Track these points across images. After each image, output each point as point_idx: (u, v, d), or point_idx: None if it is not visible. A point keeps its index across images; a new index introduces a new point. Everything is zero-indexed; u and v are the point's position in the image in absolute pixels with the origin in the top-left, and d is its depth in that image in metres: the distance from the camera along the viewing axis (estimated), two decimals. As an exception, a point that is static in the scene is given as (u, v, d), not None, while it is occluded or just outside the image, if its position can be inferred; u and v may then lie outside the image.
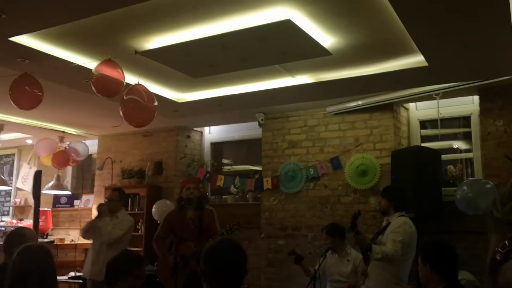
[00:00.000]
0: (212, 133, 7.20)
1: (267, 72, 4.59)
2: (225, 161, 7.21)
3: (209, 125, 7.10)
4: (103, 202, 5.05)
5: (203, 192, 6.62)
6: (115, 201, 4.98)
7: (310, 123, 5.86)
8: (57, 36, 3.76)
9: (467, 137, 5.45)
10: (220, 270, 1.81)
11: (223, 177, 6.41)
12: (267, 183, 5.97)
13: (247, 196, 6.39)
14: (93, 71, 3.85)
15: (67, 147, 7.01)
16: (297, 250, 4.81)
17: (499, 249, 3.38)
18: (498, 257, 3.44)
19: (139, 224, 6.69)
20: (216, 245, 1.88)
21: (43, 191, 7.20)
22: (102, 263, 4.77)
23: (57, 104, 5.60)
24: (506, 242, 3.28)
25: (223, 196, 6.58)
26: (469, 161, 5.40)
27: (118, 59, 3.91)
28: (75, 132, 7.19)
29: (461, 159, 5.44)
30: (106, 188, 6.89)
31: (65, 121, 6.69)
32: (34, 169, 7.43)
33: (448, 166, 5.20)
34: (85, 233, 4.95)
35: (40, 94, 4.19)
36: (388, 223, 3.95)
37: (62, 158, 6.75)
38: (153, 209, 6.30)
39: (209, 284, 1.81)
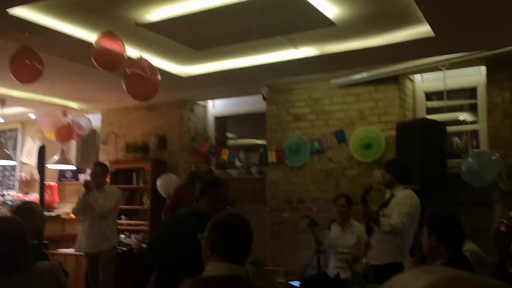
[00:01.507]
0: (216, 107, 7.15)
1: (270, 44, 4.52)
2: (229, 135, 7.19)
3: (213, 99, 7.05)
4: (88, 179, 5.12)
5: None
6: (100, 175, 5.03)
7: (315, 96, 5.80)
8: (57, 8, 3.70)
9: (472, 108, 5.38)
10: (230, 243, 1.86)
11: (227, 151, 6.40)
12: (272, 157, 5.96)
13: (252, 170, 6.39)
14: (93, 44, 3.80)
15: (70, 122, 7.00)
16: (302, 222, 4.83)
17: (505, 221, 3.39)
18: (503, 229, 3.46)
19: (144, 198, 6.74)
20: (227, 219, 1.94)
21: (47, 166, 7.24)
22: (95, 236, 4.94)
23: (59, 78, 5.56)
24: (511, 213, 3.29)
25: (228, 170, 6.59)
26: (474, 133, 5.35)
27: (119, 32, 3.84)
28: (78, 106, 7.17)
29: (466, 131, 5.39)
30: (111, 162, 6.91)
31: (68, 96, 6.67)
32: (38, 144, 7.44)
33: (454, 138, 5.16)
34: (78, 213, 5.05)
35: (40, 67, 4.15)
36: (392, 196, 3.96)
37: (65, 132, 6.75)
38: (157, 183, 6.33)
39: (217, 256, 1.85)
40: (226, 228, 1.89)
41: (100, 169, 5.10)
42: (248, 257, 1.94)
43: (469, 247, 3.72)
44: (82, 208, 4.92)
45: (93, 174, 5.10)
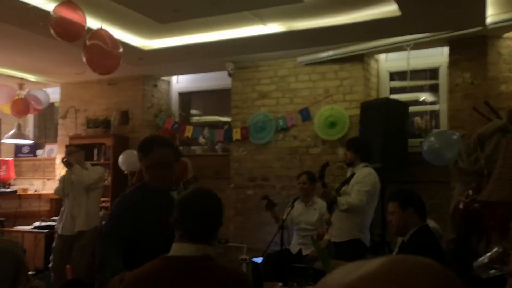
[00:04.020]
0: (180, 82, 7.02)
1: (237, 19, 4.43)
2: (193, 111, 7.09)
3: (177, 74, 6.91)
4: (64, 157, 4.99)
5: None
6: (76, 151, 4.91)
7: (281, 74, 5.77)
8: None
9: (433, 89, 5.50)
10: (189, 219, 1.79)
11: (191, 127, 6.31)
12: (236, 134, 5.92)
13: (216, 147, 6.34)
14: (51, 13, 3.61)
15: (26, 95, 6.71)
16: (262, 203, 4.85)
17: (463, 198, 3.50)
18: (461, 206, 3.58)
19: (105, 174, 6.59)
20: (186, 195, 1.88)
21: (3, 140, 6.97)
22: (84, 214, 4.81)
23: (15, 48, 5.29)
24: (470, 191, 3.40)
25: (192, 147, 6.51)
26: (434, 113, 5.48)
27: (78, 1, 3.67)
28: (35, 79, 6.88)
29: (426, 111, 5.51)
30: (71, 138, 6.71)
31: (24, 67, 6.37)
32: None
33: (415, 118, 5.26)
34: (61, 192, 4.90)
35: (-5, 37, 3.93)
36: (353, 174, 4.02)
37: (21, 106, 6.47)
38: (119, 159, 6.19)
39: (179, 232, 1.80)
40: (189, 206, 1.82)
41: (73, 148, 5.05)
42: (213, 234, 1.84)
43: (429, 224, 3.86)
44: (64, 187, 4.79)
45: (68, 153, 4.96)
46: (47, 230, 5.73)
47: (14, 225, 6.25)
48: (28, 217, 6.34)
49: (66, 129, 7.05)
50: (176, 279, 1.71)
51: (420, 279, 0.55)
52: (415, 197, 2.80)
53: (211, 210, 1.82)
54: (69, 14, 3.60)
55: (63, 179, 4.84)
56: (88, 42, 3.84)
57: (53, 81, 7.06)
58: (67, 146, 5.26)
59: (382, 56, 5.63)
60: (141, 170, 4.76)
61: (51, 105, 7.42)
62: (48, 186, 6.85)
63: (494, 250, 1.97)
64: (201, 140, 6.36)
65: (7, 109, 6.67)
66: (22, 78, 6.75)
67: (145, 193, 2.45)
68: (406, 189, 2.93)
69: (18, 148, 7.70)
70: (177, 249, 1.78)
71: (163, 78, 6.88)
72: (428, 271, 0.56)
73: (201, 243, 1.77)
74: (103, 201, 6.47)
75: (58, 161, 6.96)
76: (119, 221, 2.38)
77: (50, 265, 4.90)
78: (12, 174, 7.39)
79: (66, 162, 4.78)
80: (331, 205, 4.02)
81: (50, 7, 3.75)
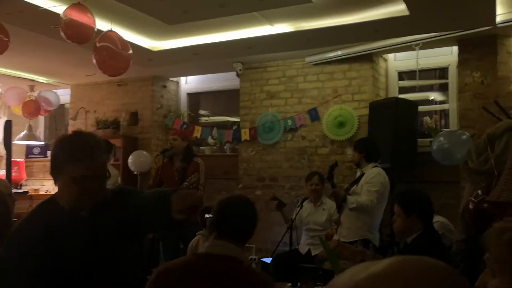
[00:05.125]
0: (189, 83, 7.05)
1: (245, 20, 4.45)
2: (202, 112, 7.12)
3: (186, 75, 6.94)
4: None
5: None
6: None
7: (289, 74, 5.77)
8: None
9: (443, 88, 5.47)
10: (226, 219, 1.92)
11: (200, 128, 6.34)
12: (245, 134, 5.94)
13: (225, 147, 6.36)
14: (61, 15, 3.65)
15: (37, 97, 6.79)
16: (272, 203, 4.86)
17: (472, 199, 3.49)
18: (470, 206, 3.56)
19: (118, 178, 6.64)
20: (232, 199, 2.04)
21: (14, 142, 7.03)
22: None
23: (25, 51, 5.35)
24: (479, 191, 3.39)
25: (201, 147, 6.54)
26: (443, 113, 5.45)
27: (88, 3, 3.71)
28: (46, 81, 6.95)
29: (436, 111, 5.49)
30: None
31: (35, 69, 6.44)
32: (4, 119, 7.21)
33: (424, 118, 5.24)
34: None
35: (6, 39, 3.97)
36: (362, 174, 4.03)
37: (32, 107, 6.54)
38: (129, 160, 6.24)
39: (217, 233, 1.91)
40: (228, 207, 1.95)
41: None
42: (246, 236, 1.97)
43: (438, 219, 3.87)
44: None
45: None
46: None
47: (26, 225, 6.32)
48: (39, 218, 6.39)
49: (76, 130, 7.11)
50: (205, 276, 1.79)
51: (428, 280, 0.56)
52: (419, 202, 2.71)
53: (246, 212, 1.97)
54: (78, 16, 3.64)
55: None
56: (98, 44, 3.88)
57: (63, 83, 7.13)
58: None
59: (390, 56, 5.61)
60: (157, 171, 4.83)
61: (62, 106, 7.49)
62: (58, 187, 6.91)
63: None
64: (210, 140, 6.39)
65: (18, 111, 6.74)
66: (33, 80, 6.82)
67: (58, 218, 1.79)
68: (412, 191, 2.82)
69: (29, 149, 7.78)
70: (211, 246, 1.88)
71: (172, 79, 6.91)
72: (436, 272, 0.57)
73: (234, 243, 1.87)
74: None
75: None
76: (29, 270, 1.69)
77: None
78: (23, 175, 7.47)
79: None
80: (341, 204, 4.03)
81: (60, 9, 3.79)
